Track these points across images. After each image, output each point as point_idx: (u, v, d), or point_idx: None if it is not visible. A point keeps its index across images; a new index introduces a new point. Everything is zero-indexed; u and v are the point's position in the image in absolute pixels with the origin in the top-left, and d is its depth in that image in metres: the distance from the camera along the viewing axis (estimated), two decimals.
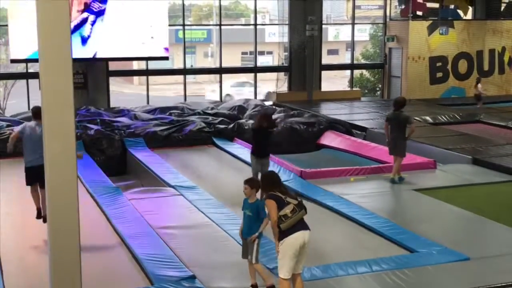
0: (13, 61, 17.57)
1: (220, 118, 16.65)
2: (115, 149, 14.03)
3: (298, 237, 6.11)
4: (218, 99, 20.97)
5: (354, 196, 10.23)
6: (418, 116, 17.17)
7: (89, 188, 10.59)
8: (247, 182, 6.68)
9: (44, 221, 7.95)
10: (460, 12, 22.71)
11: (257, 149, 9.97)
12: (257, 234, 6.51)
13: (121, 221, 8.80)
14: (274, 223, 6.09)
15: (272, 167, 12.24)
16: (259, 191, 6.63)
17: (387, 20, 22.40)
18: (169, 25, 18.93)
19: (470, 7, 22.84)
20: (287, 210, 6.09)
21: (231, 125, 15.43)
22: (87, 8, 17.51)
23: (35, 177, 8.10)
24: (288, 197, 6.20)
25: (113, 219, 8.92)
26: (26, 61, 17.57)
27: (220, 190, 11.05)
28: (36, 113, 8.22)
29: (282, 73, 21.89)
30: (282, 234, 6.10)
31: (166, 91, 30.04)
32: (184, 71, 20.71)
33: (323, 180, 11.23)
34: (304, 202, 10.13)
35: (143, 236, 8.16)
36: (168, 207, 9.73)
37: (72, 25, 16.98)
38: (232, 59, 25.85)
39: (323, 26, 21.97)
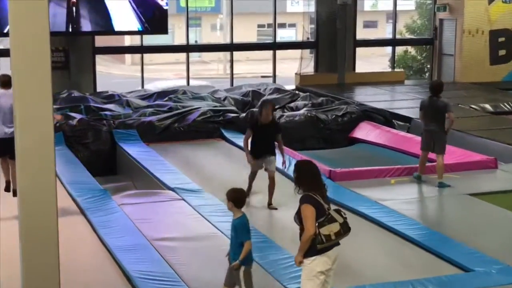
0: None
1: (231, 106, 16.67)
2: (102, 143, 14.10)
3: (331, 255, 6.05)
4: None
5: (395, 202, 10.20)
6: (475, 103, 17.09)
7: (71, 190, 10.65)
8: (226, 194, 6.58)
9: (14, 194, 8.49)
10: None
11: (257, 149, 10.09)
12: (237, 262, 6.43)
13: (110, 231, 8.84)
14: (309, 237, 5.88)
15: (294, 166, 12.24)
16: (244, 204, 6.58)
17: None
18: None
19: None
20: (332, 228, 5.91)
21: (243, 114, 15.45)
22: None
23: (3, 148, 8.70)
24: (330, 208, 6.00)
25: (100, 228, 8.96)
26: None
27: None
28: (4, 82, 8.78)
29: (307, 51, 21.86)
30: (314, 252, 5.96)
31: (165, 73, 30.11)
32: (187, 48, 20.74)
33: (357, 182, 11.22)
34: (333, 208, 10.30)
35: (136, 249, 8.20)
36: (166, 214, 9.77)
37: None
38: (245, 33, 25.86)
39: None
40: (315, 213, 5.89)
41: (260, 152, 10.11)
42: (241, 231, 6.44)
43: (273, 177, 10.15)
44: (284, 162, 10.31)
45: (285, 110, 16.63)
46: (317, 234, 5.88)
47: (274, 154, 10.16)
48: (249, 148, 10.14)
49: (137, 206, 10.04)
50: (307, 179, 6.05)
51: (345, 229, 6.02)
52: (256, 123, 10.17)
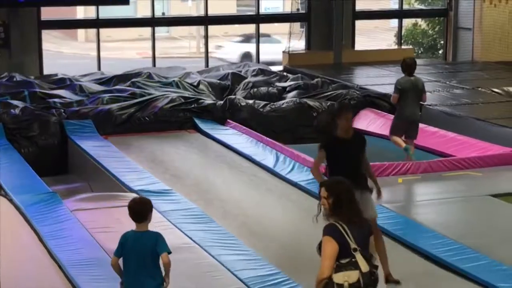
0: None
1: (206, 91, 16.65)
2: (51, 136, 14.04)
3: None
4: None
5: (403, 205, 10.23)
6: (498, 86, 17.16)
7: (12, 195, 10.60)
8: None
9: None
10: None
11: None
12: None
13: (60, 242, 8.81)
14: (320, 281, 5.54)
15: (283, 162, 12.30)
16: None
17: None
18: None
19: None
20: (350, 277, 5.46)
21: (221, 102, 15.44)
22: None
23: None
24: (359, 249, 5.52)
25: (49, 239, 8.92)
26: None
27: (207, 196, 11.05)
28: None
29: (297, 24, 21.84)
30: None
31: (127, 51, 30.03)
32: (152, 22, 20.66)
33: None
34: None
35: (92, 264, 8.17)
36: (129, 222, 9.71)
37: None
38: (223, 3, 25.80)
39: None
40: (336, 252, 5.48)
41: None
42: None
43: (376, 225, 8.04)
44: (379, 193, 8.41)
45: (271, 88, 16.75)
46: (330, 279, 5.49)
47: (369, 188, 8.16)
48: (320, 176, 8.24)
49: (94, 212, 10.01)
50: (344, 202, 5.60)
51: (366, 281, 5.48)
52: (332, 139, 8.20)
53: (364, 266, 5.49)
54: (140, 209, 6.39)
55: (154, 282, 6.32)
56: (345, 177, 7.34)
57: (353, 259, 5.49)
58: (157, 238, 6.32)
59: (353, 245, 5.49)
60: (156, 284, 6.31)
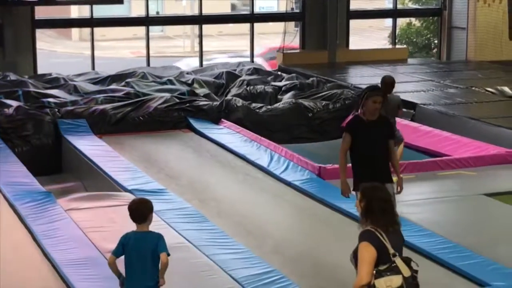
0: None
1: (201, 90, 16.65)
2: (45, 135, 14.02)
3: None
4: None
5: (398, 205, 10.17)
6: (492, 86, 17.18)
7: (7, 193, 10.58)
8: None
9: None
10: None
11: (363, 169, 7.94)
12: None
13: (54, 241, 8.79)
14: (360, 286, 5.32)
15: (278, 162, 12.30)
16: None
17: None
18: None
19: None
20: (392, 282, 5.31)
21: (216, 103, 15.42)
22: None
23: None
24: (398, 254, 5.41)
25: (43, 238, 8.90)
26: None
27: (201, 195, 11.04)
28: None
29: (292, 24, 21.84)
30: None
31: (121, 50, 30.00)
32: (146, 21, 20.64)
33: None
34: (325, 211, 10.37)
35: (86, 263, 8.16)
36: (123, 222, 9.69)
37: None
38: (217, 2, 25.79)
39: None
40: (375, 257, 5.31)
41: (368, 175, 7.64)
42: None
43: None
44: (399, 185, 8.28)
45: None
46: (370, 285, 5.32)
47: (392, 180, 8.01)
48: (345, 168, 8.00)
49: (88, 211, 9.99)
50: (376, 209, 5.42)
51: (409, 286, 5.37)
52: (359, 122, 7.95)
53: (406, 271, 5.38)
54: (141, 210, 6.39)
55: (152, 282, 6.34)
56: (369, 165, 7.66)
57: (393, 264, 5.36)
58: (159, 239, 6.35)
59: (391, 250, 5.37)
60: (153, 284, 6.34)
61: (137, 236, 6.37)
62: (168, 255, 6.33)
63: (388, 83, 11.52)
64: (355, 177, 7.99)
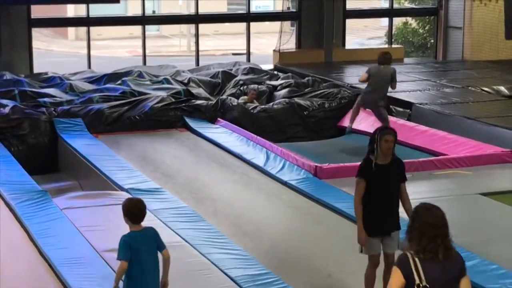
0: None
1: (197, 89, 16.65)
2: (41, 134, 14.02)
3: None
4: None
5: None
6: (488, 85, 17.19)
7: (3, 192, 10.58)
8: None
9: None
10: None
11: (376, 217, 7.57)
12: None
13: (51, 240, 8.79)
14: None
15: (274, 161, 12.31)
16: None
17: None
18: None
19: None
20: None
21: (212, 103, 15.42)
22: None
23: None
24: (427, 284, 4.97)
25: (39, 237, 8.90)
26: None
27: (197, 195, 11.04)
28: None
29: (288, 23, 21.84)
30: None
31: (117, 49, 30.00)
32: (142, 20, 20.63)
33: (348, 180, 11.21)
34: (321, 210, 10.37)
35: (83, 263, 8.16)
36: (119, 221, 9.69)
37: None
38: (213, 1, 25.80)
39: None
40: (402, 285, 4.96)
41: (381, 224, 7.58)
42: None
43: (392, 263, 7.34)
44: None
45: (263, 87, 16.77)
46: None
47: (399, 227, 7.73)
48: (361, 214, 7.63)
49: (84, 210, 10.00)
50: (417, 232, 5.03)
51: None
52: (371, 166, 7.56)
53: None
54: (141, 210, 6.40)
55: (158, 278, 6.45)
56: (381, 213, 7.49)
57: None
58: (157, 234, 6.46)
59: (418, 281, 4.97)
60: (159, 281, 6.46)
61: (140, 234, 6.38)
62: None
63: (381, 53, 13.42)
64: (367, 226, 7.63)
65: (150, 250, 6.38)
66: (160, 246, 6.42)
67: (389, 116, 15.12)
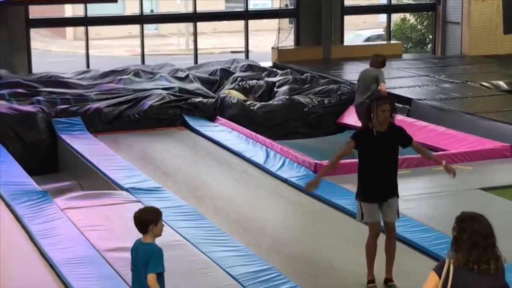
0: None
1: (195, 84, 16.63)
2: (39, 133, 14.00)
3: None
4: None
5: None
6: (487, 80, 17.18)
7: (3, 193, 10.58)
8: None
9: None
10: None
11: (371, 183, 7.75)
12: None
13: (51, 241, 8.79)
14: None
15: (274, 158, 12.30)
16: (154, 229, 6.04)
17: None
18: None
19: None
20: None
21: (211, 101, 15.40)
22: None
23: None
24: None
25: (40, 238, 8.90)
26: None
27: (198, 193, 11.04)
28: None
29: (286, 21, 21.83)
30: None
31: (116, 49, 29.98)
32: (140, 19, 20.62)
33: (348, 176, 11.20)
34: (322, 208, 10.36)
35: (84, 262, 8.16)
36: (120, 220, 9.72)
37: None
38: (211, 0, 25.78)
39: None
40: (436, 283, 4.87)
41: (379, 190, 7.75)
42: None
43: (393, 229, 7.91)
44: (450, 170, 8.27)
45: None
46: None
47: (397, 194, 7.93)
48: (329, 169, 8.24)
49: (84, 210, 9.99)
50: (470, 243, 4.85)
51: None
52: (368, 133, 7.75)
53: None
54: (140, 220, 6.09)
55: None
56: (378, 179, 7.63)
57: None
58: (151, 255, 5.99)
59: None
60: None
61: (136, 245, 6.15)
62: (161, 271, 6.01)
63: (373, 56, 13.41)
64: (360, 187, 7.82)
65: (136, 266, 6.08)
66: (149, 269, 5.97)
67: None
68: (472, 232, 4.85)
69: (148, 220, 6.05)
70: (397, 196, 7.86)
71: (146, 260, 5.97)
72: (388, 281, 7.84)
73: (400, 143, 7.91)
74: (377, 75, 13.12)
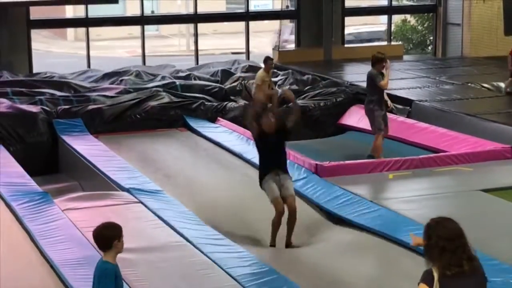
0: None
1: (196, 81, 16.65)
2: (39, 134, 14.01)
3: None
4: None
5: (394, 201, 10.23)
6: (488, 82, 17.18)
7: (3, 193, 10.57)
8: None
9: None
10: None
11: (269, 163, 9.58)
12: None
13: (52, 242, 8.78)
14: None
15: None
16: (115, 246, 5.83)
17: None
18: None
19: None
20: None
21: (214, 104, 15.39)
22: None
23: None
24: None
25: (40, 239, 8.90)
26: None
27: (198, 195, 11.04)
28: None
29: (287, 22, 21.86)
30: None
31: (116, 50, 29.99)
32: (141, 20, 20.63)
33: (348, 178, 11.24)
34: (323, 210, 10.34)
35: (84, 263, 8.15)
36: (121, 221, 9.66)
37: None
38: (212, 1, 25.80)
39: None
40: None
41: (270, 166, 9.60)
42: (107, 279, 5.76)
43: (292, 202, 9.42)
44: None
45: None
46: None
47: (288, 173, 9.66)
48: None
49: (85, 211, 9.98)
50: (437, 248, 4.83)
51: None
52: (260, 132, 9.59)
53: None
54: (103, 236, 5.89)
55: None
56: (269, 163, 9.40)
57: None
58: (103, 276, 5.80)
59: None
60: None
61: (98, 262, 5.96)
62: None
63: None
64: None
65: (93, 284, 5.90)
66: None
67: (388, 113, 15.11)
68: (437, 238, 4.82)
69: (113, 235, 5.87)
70: (290, 177, 9.61)
71: (99, 279, 5.83)
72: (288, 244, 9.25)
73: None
74: (370, 76, 12.95)
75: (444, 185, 11.04)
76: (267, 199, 10.91)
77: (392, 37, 23.99)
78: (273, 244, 9.27)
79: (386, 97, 13.22)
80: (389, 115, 14.94)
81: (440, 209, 10.20)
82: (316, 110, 15.53)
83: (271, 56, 20.93)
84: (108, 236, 5.87)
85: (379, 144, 12.59)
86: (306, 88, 16.62)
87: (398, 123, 14.41)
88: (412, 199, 10.42)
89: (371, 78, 12.75)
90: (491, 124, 13.62)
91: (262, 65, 19.28)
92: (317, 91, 16.26)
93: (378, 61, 12.67)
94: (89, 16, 20.16)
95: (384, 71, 12.71)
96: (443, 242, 4.80)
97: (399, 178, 11.38)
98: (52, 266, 8.19)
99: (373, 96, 12.70)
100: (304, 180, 11.21)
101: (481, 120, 13.83)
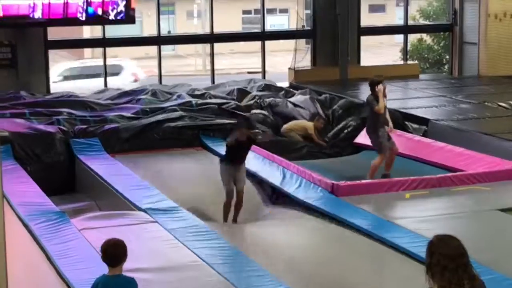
0: None
1: (214, 103, 16.67)
2: (56, 154, 14.04)
3: None
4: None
5: (411, 221, 10.19)
6: (505, 100, 17.12)
7: (20, 213, 10.60)
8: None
9: None
10: None
11: (232, 158, 11.37)
12: None
13: (69, 261, 8.79)
14: None
15: (290, 179, 12.27)
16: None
17: None
18: None
19: None
20: None
21: (230, 121, 15.40)
22: None
23: None
24: None
25: (57, 258, 8.91)
26: None
27: (215, 214, 11.03)
28: None
29: (303, 41, 21.88)
30: None
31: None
32: (158, 40, 20.72)
33: (365, 197, 11.22)
34: (338, 228, 10.34)
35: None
36: (137, 241, 9.71)
37: None
38: (228, 21, 25.92)
39: None
40: None
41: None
42: None
43: (241, 193, 11.23)
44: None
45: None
46: None
47: (244, 163, 11.46)
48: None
49: (102, 230, 9.97)
50: (439, 267, 4.74)
51: None
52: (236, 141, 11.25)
53: None
54: (114, 252, 6.11)
55: None
56: (232, 158, 11.32)
57: None
58: (128, 286, 5.98)
59: None
60: None
61: (107, 280, 6.09)
62: None
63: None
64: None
65: None
66: None
67: (403, 132, 15.08)
68: (439, 256, 4.73)
69: (124, 253, 6.11)
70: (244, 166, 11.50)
71: None
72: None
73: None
74: (367, 102, 13.12)
75: (461, 205, 10.99)
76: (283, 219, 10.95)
77: (408, 56, 23.97)
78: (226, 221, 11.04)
79: (388, 117, 13.18)
80: (403, 134, 14.94)
81: (457, 229, 10.17)
82: (332, 138, 15.57)
83: (287, 76, 21.01)
84: (121, 253, 6.13)
85: (377, 164, 12.66)
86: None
87: (415, 142, 14.38)
88: (429, 218, 10.38)
89: (367, 104, 13.01)
90: (508, 143, 13.56)
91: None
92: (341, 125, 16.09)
93: (373, 84, 12.95)
94: (106, 36, 20.27)
95: (379, 94, 12.72)
96: (445, 260, 4.72)
97: (416, 198, 11.35)
98: (68, 286, 8.19)
99: (371, 121, 12.94)
100: (319, 200, 11.18)
101: (498, 139, 13.77)
